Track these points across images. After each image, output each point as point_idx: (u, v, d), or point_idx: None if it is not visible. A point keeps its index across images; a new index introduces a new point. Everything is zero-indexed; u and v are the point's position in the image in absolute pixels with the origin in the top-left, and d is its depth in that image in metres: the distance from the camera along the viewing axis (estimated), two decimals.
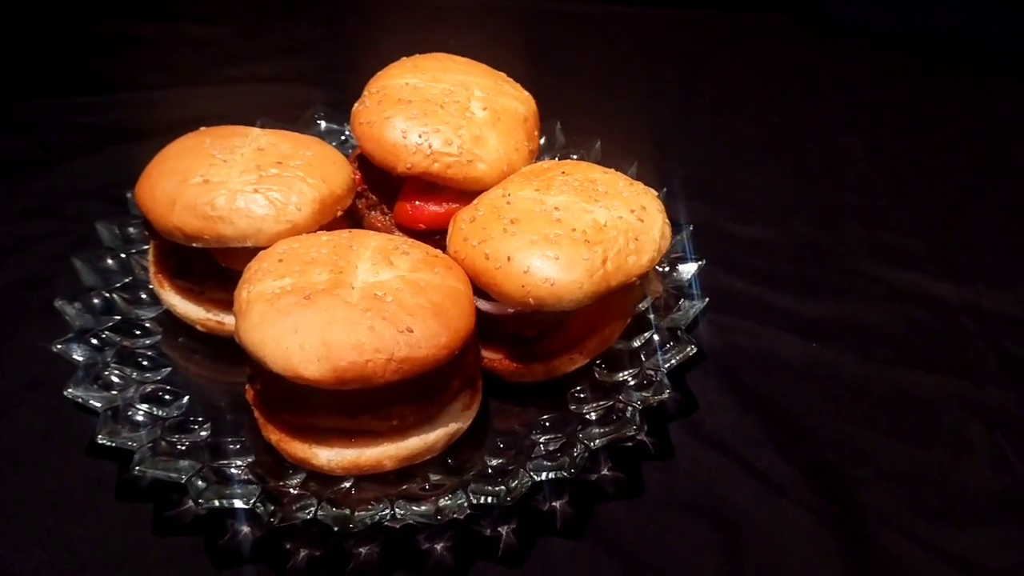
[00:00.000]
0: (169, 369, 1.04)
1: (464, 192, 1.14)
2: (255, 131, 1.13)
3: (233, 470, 0.91)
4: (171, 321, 1.12)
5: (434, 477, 0.93)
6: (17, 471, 0.98)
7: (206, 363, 1.08)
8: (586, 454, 0.92)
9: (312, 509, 0.87)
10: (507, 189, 1.08)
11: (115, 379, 0.99)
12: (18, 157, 1.49)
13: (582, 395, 1.02)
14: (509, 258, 0.98)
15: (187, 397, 1.00)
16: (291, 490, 0.90)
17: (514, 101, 1.22)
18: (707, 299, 1.10)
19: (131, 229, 1.20)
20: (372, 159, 1.14)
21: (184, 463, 0.90)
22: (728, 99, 1.77)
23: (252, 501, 0.87)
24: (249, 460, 0.94)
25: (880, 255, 1.35)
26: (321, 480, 0.93)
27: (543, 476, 0.89)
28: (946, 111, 1.74)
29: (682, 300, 1.10)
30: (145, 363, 1.03)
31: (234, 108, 1.61)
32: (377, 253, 0.97)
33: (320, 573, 0.90)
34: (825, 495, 0.98)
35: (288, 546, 0.91)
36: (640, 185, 1.09)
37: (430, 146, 1.11)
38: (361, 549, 0.91)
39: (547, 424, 0.98)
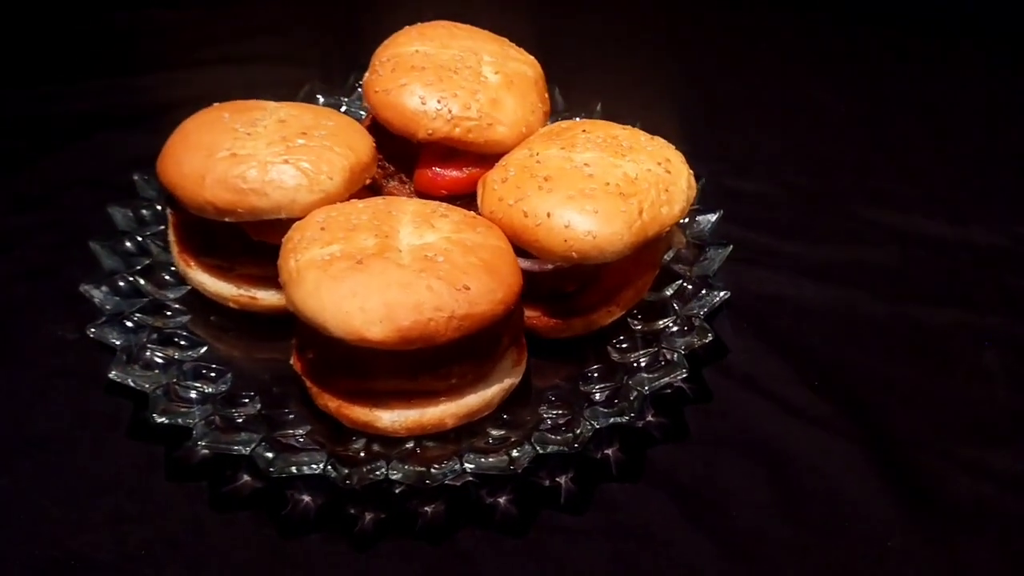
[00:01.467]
0: (205, 347, 1.03)
1: (483, 156, 1.15)
2: (271, 104, 1.12)
3: (298, 439, 0.91)
4: (197, 300, 1.10)
5: (496, 432, 0.94)
6: (64, 457, 0.96)
7: (240, 340, 1.07)
8: (642, 399, 0.94)
9: (383, 470, 0.87)
10: (532, 149, 1.09)
11: (158, 359, 0.98)
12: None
13: (625, 345, 1.04)
14: (549, 214, 0.99)
15: (230, 373, 0.99)
16: (360, 453, 0.90)
17: (522, 65, 1.23)
18: (731, 246, 1.13)
19: (144, 211, 1.18)
20: (391, 127, 1.14)
21: (244, 436, 0.90)
22: (705, 59, 1.81)
23: (322, 466, 0.87)
24: (307, 428, 0.94)
25: (873, 200, 1.40)
26: (383, 442, 0.93)
27: (609, 422, 0.91)
28: (913, 64, 1.81)
29: (707, 248, 1.13)
30: (182, 343, 1.02)
31: (218, 90, 1.54)
32: (416, 217, 0.98)
33: (389, 534, 0.91)
34: (861, 425, 1.03)
35: (352, 511, 0.92)
36: (660, 140, 1.12)
37: (450, 111, 1.12)
38: (427, 508, 0.92)
39: (595, 375, 1.00)
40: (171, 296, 1.09)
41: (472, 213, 1.03)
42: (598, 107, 1.39)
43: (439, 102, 1.12)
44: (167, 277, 1.11)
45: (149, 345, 0.99)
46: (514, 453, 0.88)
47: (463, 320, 0.88)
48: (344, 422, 0.94)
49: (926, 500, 0.95)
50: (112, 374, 0.95)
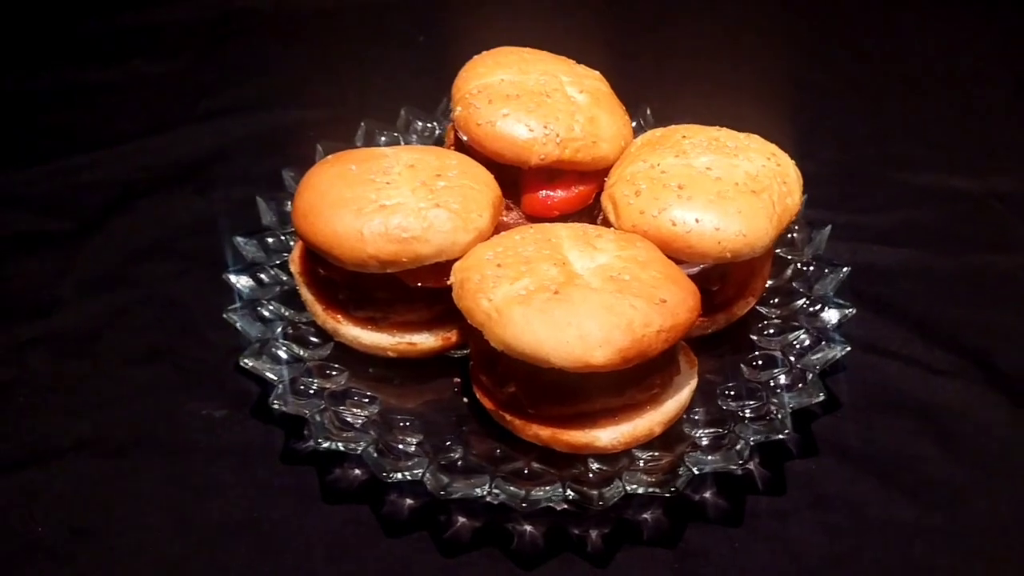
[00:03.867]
0: (379, 400, 1.03)
1: (584, 173, 1.19)
2: (387, 149, 1.12)
3: (524, 472, 0.93)
4: (345, 356, 1.09)
5: (698, 432, 0.99)
6: (274, 536, 0.95)
7: (401, 387, 1.07)
8: (817, 379, 1.01)
9: (620, 486, 0.91)
10: (648, 160, 1.14)
11: (356, 419, 0.97)
12: (40, 232, 1.35)
13: (770, 331, 1.11)
14: (697, 220, 1.04)
15: (418, 421, 1.00)
16: (588, 475, 0.93)
17: (595, 81, 1.28)
18: (829, 226, 1.22)
19: (262, 276, 1.15)
20: (500, 157, 1.16)
21: (476, 479, 0.91)
22: (695, 49, 1.89)
23: (566, 493, 0.90)
24: (521, 461, 0.96)
25: (900, 165, 1.53)
26: (599, 460, 0.96)
27: (804, 403, 0.98)
28: (899, 31, 1.96)
29: (812, 232, 1.20)
30: (364, 399, 1.01)
31: (243, 140, 1.55)
32: (574, 241, 1.01)
33: (620, 546, 0.94)
34: (984, 368, 1.14)
35: (577, 531, 0.95)
36: (754, 136, 1.19)
37: (557, 135, 1.15)
38: (646, 515, 0.96)
39: (760, 363, 1.06)
40: (320, 356, 1.08)
41: (616, 230, 1.07)
42: (648, 111, 1.45)
43: (546, 127, 1.15)
44: (312, 339, 1.09)
45: (332, 409, 0.98)
46: (738, 447, 0.93)
47: (669, 332, 0.92)
48: (559, 448, 0.96)
49: None
50: (322, 444, 0.94)
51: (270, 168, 1.38)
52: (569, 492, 0.90)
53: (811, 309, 1.11)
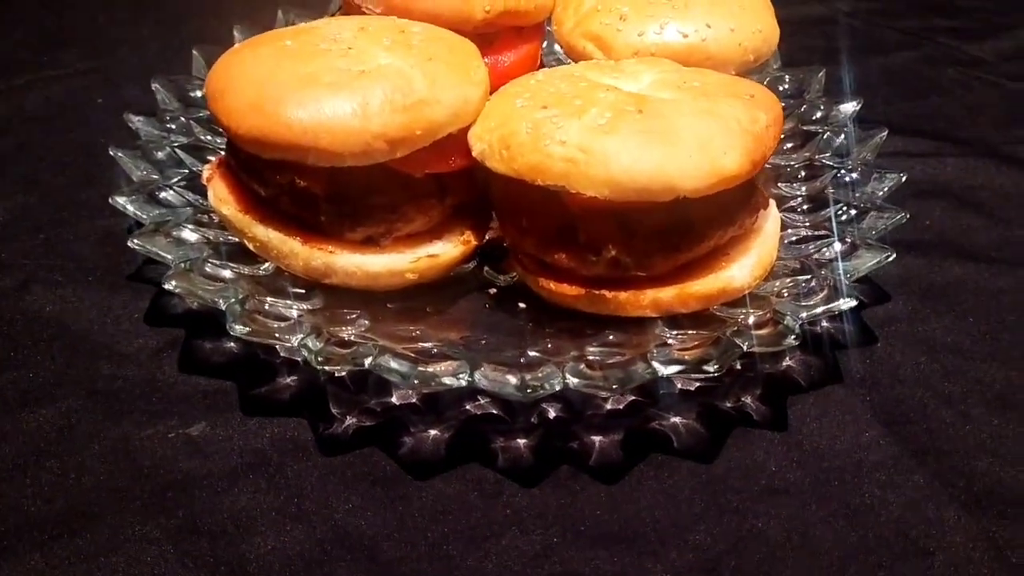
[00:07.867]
0: (427, 332, 0.77)
1: (523, 29, 1.01)
2: (315, 23, 0.86)
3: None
4: (343, 300, 0.80)
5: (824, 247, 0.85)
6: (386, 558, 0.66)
7: (440, 316, 0.82)
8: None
9: (794, 319, 0.74)
10: None
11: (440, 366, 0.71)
12: None
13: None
14: (708, 25, 0.91)
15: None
16: (746, 319, 0.75)
17: None
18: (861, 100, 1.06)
19: (181, 235, 0.81)
20: (437, 20, 0.92)
21: (636, 366, 0.70)
22: None
23: (744, 346, 0.71)
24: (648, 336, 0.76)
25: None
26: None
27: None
28: None
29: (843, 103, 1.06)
30: (415, 333, 0.75)
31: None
32: (601, 71, 0.84)
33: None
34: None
35: (729, 405, 0.77)
36: None
37: None
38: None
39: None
40: (315, 306, 0.78)
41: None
42: None
43: None
44: (293, 289, 0.79)
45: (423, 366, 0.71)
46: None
47: (774, 125, 0.78)
48: (687, 307, 0.78)
49: None
50: (454, 383, 0.67)
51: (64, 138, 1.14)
52: (745, 343, 0.71)
53: (852, 178, 0.95)
